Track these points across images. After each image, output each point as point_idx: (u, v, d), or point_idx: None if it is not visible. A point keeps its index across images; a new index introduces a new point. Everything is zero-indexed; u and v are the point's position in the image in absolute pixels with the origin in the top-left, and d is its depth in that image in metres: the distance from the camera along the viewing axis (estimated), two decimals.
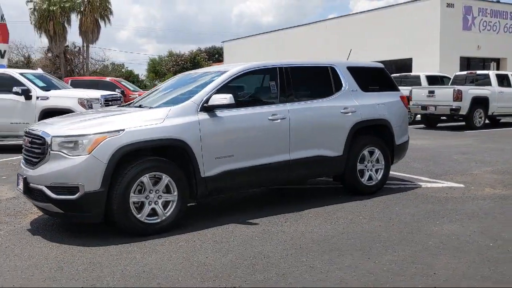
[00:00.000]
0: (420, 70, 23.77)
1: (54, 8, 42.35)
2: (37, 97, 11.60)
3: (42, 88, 11.93)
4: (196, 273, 3.94)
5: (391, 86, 7.07)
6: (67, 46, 47.09)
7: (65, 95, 11.94)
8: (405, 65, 27.88)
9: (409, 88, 17.44)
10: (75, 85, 18.19)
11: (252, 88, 6.17)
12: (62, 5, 42.89)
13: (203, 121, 5.22)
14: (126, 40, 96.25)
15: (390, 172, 7.67)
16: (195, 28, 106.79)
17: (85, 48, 46.25)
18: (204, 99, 5.32)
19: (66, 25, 43.90)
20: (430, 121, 17.60)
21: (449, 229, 5.02)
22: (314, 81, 6.47)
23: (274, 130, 5.70)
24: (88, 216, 4.76)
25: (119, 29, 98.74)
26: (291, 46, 36.06)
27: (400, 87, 18.03)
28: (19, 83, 11.71)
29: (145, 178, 4.83)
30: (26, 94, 11.52)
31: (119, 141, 4.70)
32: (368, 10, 32.21)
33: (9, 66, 45.10)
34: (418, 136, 14.04)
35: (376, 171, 6.67)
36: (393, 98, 6.89)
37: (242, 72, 5.77)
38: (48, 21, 42.51)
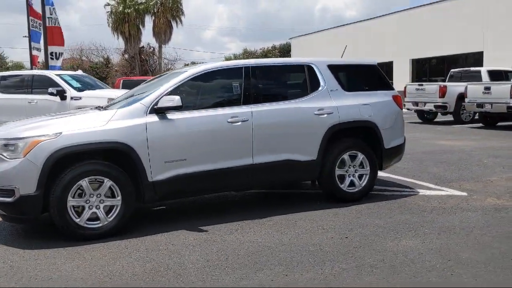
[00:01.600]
0: (491, 65, 22.14)
1: (129, 11, 44.17)
2: (71, 98, 12.06)
3: (76, 88, 12.39)
4: (98, 283, 3.81)
5: (383, 85, 6.54)
6: (142, 47, 49.00)
7: (96, 95, 12.30)
8: (475, 59, 26.12)
9: (465, 84, 16.30)
10: (126, 85, 18.78)
11: (213, 89, 5.93)
12: (136, 7, 44.67)
13: (151, 124, 5.09)
14: (210, 39, 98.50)
15: (395, 177, 7.23)
16: (278, 25, 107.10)
17: (160, 48, 47.79)
18: (155, 101, 5.18)
19: (140, 26, 45.68)
20: (489, 119, 16.31)
21: (404, 245, 4.53)
22: (287, 81, 6.14)
23: (234, 133, 5.45)
24: (27, 218, 4.79)
25: (204, 29, 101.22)
26: (359, 40, 35.06)
27: (459, 83, 17.19)
28: (56, 84, 12.23)
29: (84, 182, 4.78)
30: (61, 94, 12.00)
31: (54, 145, 4.68)
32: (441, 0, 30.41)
33: (90, 67, 47.72)
34: (463, 137, 13.08)
35: (360, 176, 6.20)
36: (382, 98, 6.36)
37: (200, 73, 5.58)
38: (124, 23, 44.41)
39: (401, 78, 30.54)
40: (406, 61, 32.03)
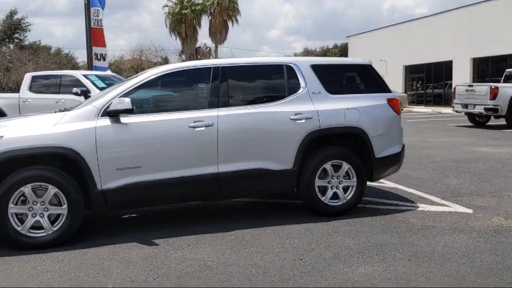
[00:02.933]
0: None
1: (186, 11, 44.72)
2: None
3: (101, 88, 12.41)
4: None
5: (377, 87, 5.88)
6: (199, 47, 49.53)
7: None
8: None
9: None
10: None
11: (177, 91, 5.53)
12: (193, 8, 45.17)
13: (102, 128, 4.77)
14: (275, 39, 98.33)
15: (402, 188, 6.64)
16: (344, 24, 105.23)
17: (216, 48, 48.10)
18: (108, 103, 4.86)
19: (196, 27, 46.16)
20: None
21: (361, 272, 3.95)
22: (262, 82, 5.62)
23: (196, 139, 5.04)
24: None
25: (269, 29, 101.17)
26: (417, 38, 33.53)
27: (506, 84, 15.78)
28: (81, 84, 12.32)
29: (27, 189, 4.54)
30: (85, 94, 12.04)
31: None
32: None
33: (148, 67, 48.96)
34: (510, 143, 11.93)
35: (346, 189, 5.59)
36: (374, 101, 5.71)
37: (161, 74, 5.20)
38: (181, 24, 45.03)
39: (461, 78, 28.79)
40: (467, 60, 30.17)
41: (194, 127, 5.01)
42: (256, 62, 5.63)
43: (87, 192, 4.74)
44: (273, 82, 5.61)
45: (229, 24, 46.60)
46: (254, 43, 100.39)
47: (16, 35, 62.01)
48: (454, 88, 17.59)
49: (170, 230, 5.13)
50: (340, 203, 5.54)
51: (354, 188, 5.56)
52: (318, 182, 5.45)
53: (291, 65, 5.55)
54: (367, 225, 5.21)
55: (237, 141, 5.15)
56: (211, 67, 5.29)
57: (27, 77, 13.41)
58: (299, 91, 5.47)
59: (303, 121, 5.33)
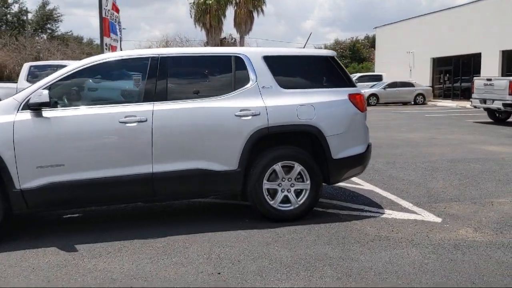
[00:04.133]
0: None
1: (211, 2, 44.38)
2: None
3: None
4: None
5: (339, 81, 5.34)
6: (224, 38, 49.18)
7: None
8: None
9: None
10: None
11: (109, 83, 5.13)
12: None
13: (21, 123, 4.42)
14: (310, 30, 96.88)
15: (377, 191, 6.17)
16: (381, 14, 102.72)
17: (241, 39, 47.65)
18: (29, 96, 4.50)
19: (221, 17, 45.76)
20: None
21: None
22: (206, 75, 5.16)
23: (127, 135, 4.64)
24: None
25: (304, 19, 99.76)
26: (445, 29, 32.27)
27: None
28: None
29: None
30: None
31: None
32: None
33: None
34: None
35: (298, 192, 5.10)
36: (333, 97, 5.17)
37: (92, 65, 4.80)
38: (205, 15, 44.74)
39: (490, 72, 27.51)
40: (496, 53, 28.80)
41: (125, 122, 4.61)
42: (201, 53, 5.18)
43: (4, 191, 4.39)
44: (219, 74, 5.15)
45: (255, 14, 46.04)
46: (288, 34, 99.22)
47: (48, 25, 63.10)
48: (473, 82, 16.66)
49: (101, 233, 4.77)
50: (292, 207, 5.05)
51: (308, 192, 5.07)
52: (266, 185, 4.98)
53: (240, 56, 5.07)
54: (314, 233, 4.71)
55: (174, 138, 4.73)
56: (149, 57, 4.87)
57: (25, 67, 13.32)
58: (248, 85, 4.99)
59: (250, 117, 4.85)
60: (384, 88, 28.69)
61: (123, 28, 50.30)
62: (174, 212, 5.64)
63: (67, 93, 4.72)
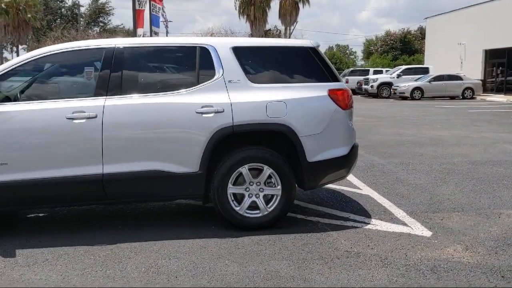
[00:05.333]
0: None
1: None
2: None
3: None
4: None
5: (319, 75, 4.77)
6: (269, 30, 48.66)
7: None
8: None
9: None
10: None
11: (59, 76, 4.77)
12: None
13: None
14: (365, 21, 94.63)
15: (374, 197, 5.60)
16: (441, 4, 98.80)
17: (286, 31, 46.97)
18: None
19: (266, 9, 45.19)
20: None
21: None
22: (167, 67, 4.72)
23: (75, 132, 4.29)
24: None
25: (360, 10, 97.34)
26: (499, 20, 30.43)
27: None
28: None
29: None
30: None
31: None
32: None
33: None
34: None
35: (268, 198, 4.60)
36: (310, 93, 4.62)
37: (41, 56, 4.46)
38: (249, 6, 44.33)
39: None
40: None
41: (73, 118, 4.25)
42: (162, 43, 4.76)
43: None
44: (182, 67, 4.71)
45: (300, 5, 45.30)
46: (342, 26, 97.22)
47: (101, 19, 64.63)
48: None
49: (52, 237, 4.49)
50: (260, 214, 4.56)
51: (279, 198, 4.56)
52: (232, 189, 4.50)
53: (206, 46, 4.60)
54: (278, 246, 4.20)
55: (127, 137, 4.34)
56: (103, 48, 4.49)
57: None
58: (213, 78, 4.52)
59: (212, 115, 4.39)
60: (430, 82, 27.36)
61: (170, 21, 50.44)
62: (139, 214, 5.25)
63: (12, 87, 4.39)
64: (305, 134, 4.51)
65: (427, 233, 4.52)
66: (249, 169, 4.51)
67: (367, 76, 32.35)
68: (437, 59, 36.44)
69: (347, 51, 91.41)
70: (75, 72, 4.69)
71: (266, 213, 4.56)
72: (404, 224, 4.79)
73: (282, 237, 4.41)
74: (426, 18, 41.98)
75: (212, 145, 4.39)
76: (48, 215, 5.23)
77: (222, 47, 4.59)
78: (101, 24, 64.25)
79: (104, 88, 4.37)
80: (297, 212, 5.20)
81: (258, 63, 4.70)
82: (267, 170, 4.51)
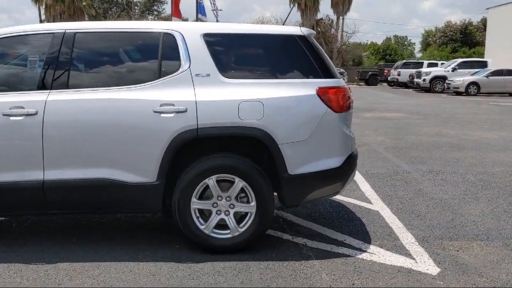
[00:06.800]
0: None
1: None
2: None
3: None
4: None
5: (310, 70, 3.93)
6: (321, 19, 47.32)
7: None
8: None
9: None
10: None
11: (1, 65, 4.13)
12: None
13: None
14: (427, 11, 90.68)
15: (383, 211, 4.91)
16: None
17: (338, 20, 45.55)
18: None
19: None
20: None
21: None
22: (124, 57, 4.01)
23: (12, 131, 3.69)
24: None
25: (422, 0, 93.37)
26: None
27: None
28: None
29: None
30: None
31: None
32: None
33: None
34: None
35: (241, 216, 3.84)
36: (294, 91, 3.80)
37: None
38: None
39: None
40: None
41: (10, 115, 3.64)
42: (121, 28, 4.03)
43: None
44: (142, 57, 4.00)
45: None
46: (402, 16, 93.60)
47: (155, 7, 65.21)
48: None
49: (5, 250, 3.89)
50: (230, 235, 3.81)
51: (253, 216, 3.78)
52: (196, 204, 3.77)
53: (172, 33, 3.86)
54: (241, 277, 3.47)
55: (71, 138, 3.69)
56: (51, 33, 3.83)
57: None
58: (178, 71, 3.79)
59: (172, 115, 3.66)
60: (487, 76, 25.44)
61: (220, 10, 50.10)
62: (101, 224, 4.60)
63: None
64: (285, 141, 3.70)
65: (433, 269, 3.62)
66: (218, 181, 3.75)
67: (419, 69, 30.56)
68: (499, 52, 34.07)
69: (405, 43, 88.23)
70: (18, 61, 4.06)
71: (237, 233, 3.80)
72: (408, 254, 3.89)
73: (251, 265, 3.64)
74: (488, 9, 39.39)
75: (173, 151, 3.67)
76: (5, 220, 4.68)
77: (190, 34, 3.84)
78: (155, 12, 64.80)
79: (49, 80, 3.73)
80: (286, 229, 4.42)
81: (233, 54, 3.93)
82: (239, 183, 3.74)
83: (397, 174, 6.64)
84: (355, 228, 4.50)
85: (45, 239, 4.15)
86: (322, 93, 3.79)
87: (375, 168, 7.01)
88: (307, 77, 3.88)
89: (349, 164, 3.99)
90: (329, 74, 3.92)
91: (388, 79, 36.60)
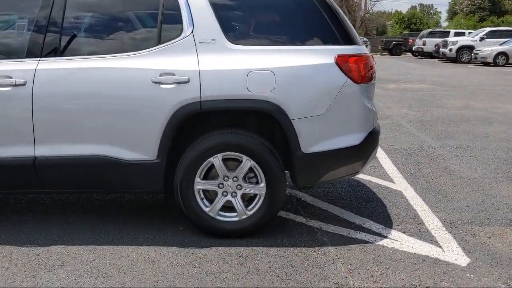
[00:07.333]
0: None
1: None
2: None
3: None
4: None
5: (328, 35, 3.51)
6: None
7: None
8: None
9: None
10: None
11: None
12: None
13: None
14: None
15: (407, 191, 4.39)
16: None
17: None
18: None
19: None
20: None
21: None
22: (121, 22, 3.63)
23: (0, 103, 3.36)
24: None
25: None
26: None
27: None
28: None
29: None
30: None
31: None
32: None
33: None
34: None
35: (249, 199, 3.49)
36: (310, 60, 3.39)
37: None
38: None
39: None
40: None
41: None
42: None
43: None
44: (140, 20, 3.60)
45: None
46: None
47: None
48: None
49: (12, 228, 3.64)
50: (237, 218, 3.47)
51: (262, 198, 3.43)
52: (200, 185, 3.44)
53: None
54: (247, 266, 3.13)
55: (63, 111, 3.37)
56: None
57: None
58: (179, 37, 3.41)
59: (173, 86, 3.29)
60: None
61: None
62: (101, 203, 4.31)
63: None
64: (299, 116, 3.31)
65: (462, 259, 3.24)
66: (224, 160, 3.39)
67: (445, 39, 29.49)
68: None
69: (431, 11, 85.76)
70: (5, 25, 3.71)
71: (244, 217, 3.46)
72: (434, 241, 3.52)
73: (259, 252, 3.31)
74: None
75: (174, 127, 3.32)
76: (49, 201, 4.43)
77: None
78: None
79: (39, 47, 3.39)
80: (299, 211, 4.07)
81: (241, 18, 3.52)
82: (247, 162, 3.38)
83: (422, 150, 6.22)
84: (375, 210, 4.12)
85: (41, 218, 3.88)
86: (341, 61, 3.37)
87: (398, 143, 6.58)
88: (325, 44, 3.46)
89: (370, 142, 3.59)
90: (350, 40, 3.49)
91: (413, 49, 35.53)
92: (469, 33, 32.05)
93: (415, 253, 3.33)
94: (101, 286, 2.87)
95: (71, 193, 4.24)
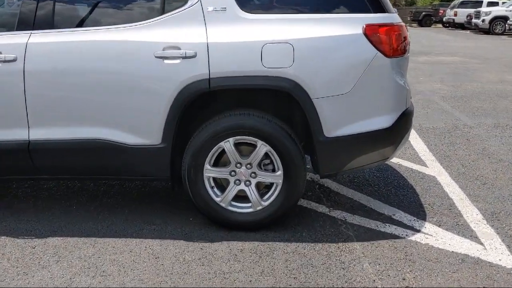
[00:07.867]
0: None
1: None
2: None
3: None
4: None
5: (354, 0, 3.05)
6: None
7: None
8: None
9: None
10: None
11: None
12: None
13: None
14: None
15: (443, 180, 4.03)
16: None
17: None
18: None
19: None
20: None
21: None
22: None
23: None
24: None
25: None
26: None
27: None
28: None
29: None
30: None
31: None
32: None
33: None
34: None
35: (265, 188, 3.13)
36: (336, 29, 2.96)
37: None
38: None
39: None
40: None
41: None
42: None
43: None
44: None
45: None
46: None
47: None
48: None
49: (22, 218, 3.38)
50: (251, 209, 3.11)
51: (279, 188, 3.05)
52: (210, 172, 3.08)
53: None
54: (261, 265, 2.79)
55: (59, 90, 3.02)
56: None
57: None
58: (185, 5, 3.01)
59: (178, 61, 2.91)
60: None
61: None
62: (107, 189, 4.01)
63: None
64: (322, 94, 2.90)
65: (508, 260, 2.83)
66: (236, 145, 3.02)
67: (478, 9, 28.20)
68: None
69: None
70: None
71: (259, 208, 3.10)
72: (474, 237, 3.10)
73: (275, 248, 2.95)
74: None
75: (180, 107, 2.95)
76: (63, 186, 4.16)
77: None
78: None
79: (30, 19, 3.03)
80: (322, 199, 3.69)
81: None
82: (262, 147, 3.00)
83: (457, 129, 5.73)
84: (407, 198, 3.71)
85: (41, 206, 3.60)
86: (370, 32, 2.93)
87: (430, 121, 6.10)
88: (351, 11, 3.02)
89: (403, 124, 3.16)
90: (380, 7, 3.04)
91: (443, 19, 34.18)
92: (503, 3, 30.56)
93: (452, 252, 2.93)
94: (97, 287, 2.55)
95: (68, 180, 3.93)
